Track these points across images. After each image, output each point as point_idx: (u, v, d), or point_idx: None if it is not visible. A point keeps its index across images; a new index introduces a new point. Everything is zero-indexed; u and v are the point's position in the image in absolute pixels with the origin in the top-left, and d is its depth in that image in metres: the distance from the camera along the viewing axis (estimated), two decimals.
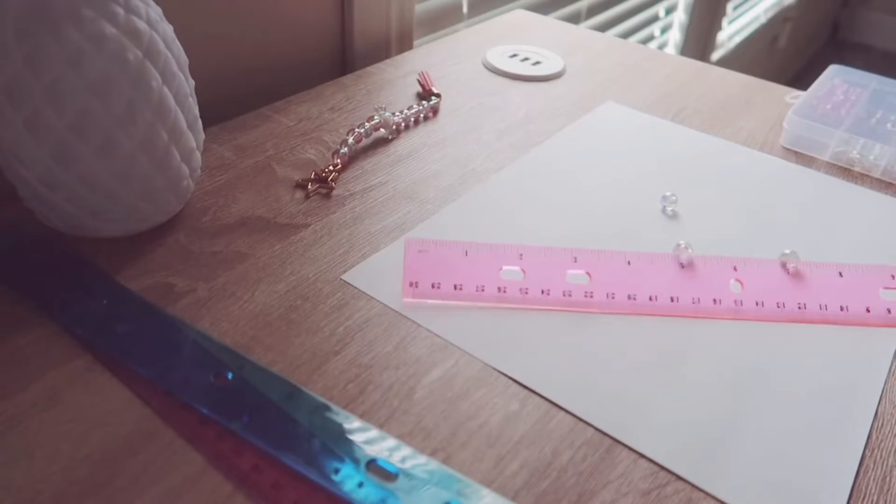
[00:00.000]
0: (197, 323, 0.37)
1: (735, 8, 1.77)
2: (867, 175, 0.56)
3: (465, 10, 0.89)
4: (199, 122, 0.44)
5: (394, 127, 0.56)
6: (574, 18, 1.15)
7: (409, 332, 0.38)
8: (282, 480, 0.29)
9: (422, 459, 0.31)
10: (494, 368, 0.36)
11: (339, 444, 0.31)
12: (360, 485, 0.29)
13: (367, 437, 0.32)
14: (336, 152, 0.52)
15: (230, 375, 0.34)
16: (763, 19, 2.06)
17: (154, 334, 0.36)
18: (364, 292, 0.40)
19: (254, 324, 0.37)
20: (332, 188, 0.49)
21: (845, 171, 0.57)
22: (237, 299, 0.39)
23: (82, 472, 0.29)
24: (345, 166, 0.52)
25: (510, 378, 0.36)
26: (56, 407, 0.32)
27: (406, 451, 0.31)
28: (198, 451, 0.30)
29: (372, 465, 0.30)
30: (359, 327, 0.38)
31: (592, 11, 1.20)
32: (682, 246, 0.45)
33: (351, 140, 0.53)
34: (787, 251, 0.44)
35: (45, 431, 0.31)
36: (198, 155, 0.44)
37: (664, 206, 0.49)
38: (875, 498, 0.32)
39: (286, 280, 0.41)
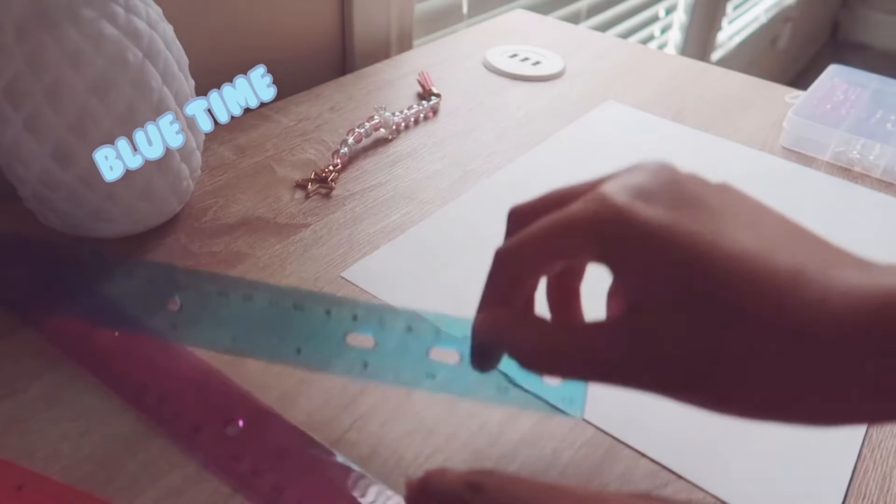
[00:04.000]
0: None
1: (735, 8, 1.77)
2: (867, 175, 0.56)
3: (465, 10, 0.89)
4: None
5: (394, 127, 0.56)
6: (574, 18, 1.15)
7: None
8: (282, 483, 0.29)
9: (399, 323, 0.30)
10: None
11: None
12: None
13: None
14: (336, 152, 0.52)
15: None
16: (763, 19, 2.06)
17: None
18: (364, 291, 0.40)
19: None
20: (332, 188, 0.49)
21: (845, 171, 0.57)
22: None
23: (82, 472, 0.29)
24: (345, 166, 0.52)
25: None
26: (56, 407, 0.32)
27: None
28: (194, 457, 0.30)
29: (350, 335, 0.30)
30: None
31: (592, 11, 1.20)
32: None
33: (351, 140, 0.53)
34: None
35: (45, 431, 0.31)
36: (198, 155, 0.44)
37: None
38: (875, 498, 0.32)
39: (286, 280, 0.41)
